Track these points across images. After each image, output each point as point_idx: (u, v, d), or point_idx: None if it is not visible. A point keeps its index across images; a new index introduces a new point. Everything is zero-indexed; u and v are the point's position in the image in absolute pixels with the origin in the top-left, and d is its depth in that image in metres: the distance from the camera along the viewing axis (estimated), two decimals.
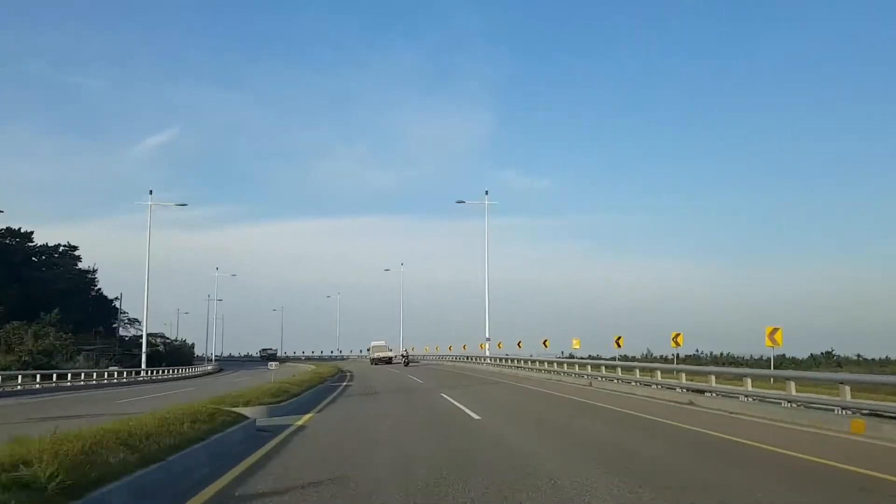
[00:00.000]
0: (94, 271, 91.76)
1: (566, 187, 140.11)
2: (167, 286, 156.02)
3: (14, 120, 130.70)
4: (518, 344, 51.75)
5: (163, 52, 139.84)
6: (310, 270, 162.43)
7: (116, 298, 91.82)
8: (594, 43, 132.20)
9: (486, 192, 58.01)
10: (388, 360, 71.44)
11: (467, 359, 60.29)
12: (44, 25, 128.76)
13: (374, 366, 68.41)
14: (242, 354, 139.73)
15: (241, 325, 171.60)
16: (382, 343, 77.30)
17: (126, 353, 67.01)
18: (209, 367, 78.23)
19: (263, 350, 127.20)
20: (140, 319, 68.62)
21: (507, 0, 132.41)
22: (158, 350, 77.62)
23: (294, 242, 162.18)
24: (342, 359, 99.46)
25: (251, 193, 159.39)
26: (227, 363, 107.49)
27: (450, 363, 64.08)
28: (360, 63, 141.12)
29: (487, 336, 56.08)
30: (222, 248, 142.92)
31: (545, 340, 44.62)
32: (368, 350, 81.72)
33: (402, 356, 65.29)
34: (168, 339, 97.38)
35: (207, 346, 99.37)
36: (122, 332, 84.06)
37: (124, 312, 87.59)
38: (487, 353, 53.46)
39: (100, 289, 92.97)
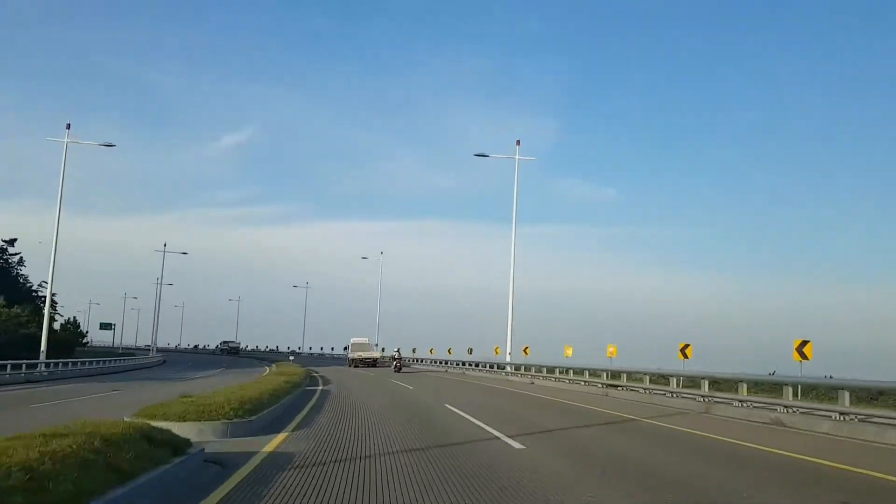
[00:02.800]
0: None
1: (632, 197, 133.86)
2: (224, 279, 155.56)
3: (95, 114, 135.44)
4: (525, 350, 43.35)
5: (237, 51, 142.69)
6: (354, 271, 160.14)
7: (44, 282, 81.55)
8: (661, 51, 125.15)
9: (518, 143, 46.56)
10: (373, 363, 59.12)
11: (476, 366, 48.82)
12: (123, 22, 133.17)
13: (352, 368, 56.37)
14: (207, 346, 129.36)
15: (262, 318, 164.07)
16: (365, 340, 63.07)
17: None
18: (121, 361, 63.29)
19: (224, 343, 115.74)
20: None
21: (572, 6, 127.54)
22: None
23: (353, 243, 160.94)
24: (333, 357, 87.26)
25: (313, 193, 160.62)
26: (176, 355, 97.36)
27: (457, 370, 52.61)
28: (424, 67, 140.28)
29: (509, 348, 45.18)
30: (284, 245, 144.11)
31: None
32: (346, 349, 67.73)
33: (393, 359, 51.45)
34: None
35: (153, 335, 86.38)
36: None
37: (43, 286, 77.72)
38: (509, 360, 42.10)
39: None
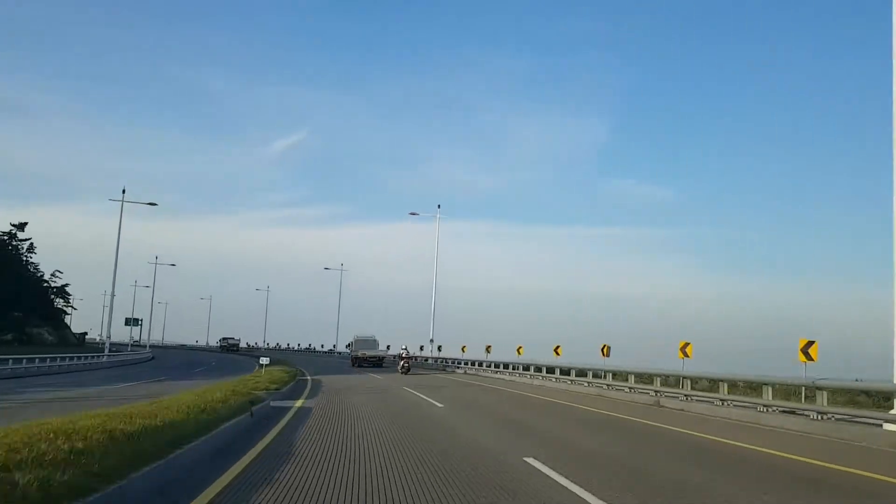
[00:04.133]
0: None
1: (690, 197, 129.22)
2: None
3: (153, 119, 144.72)
4: (519, 350, 38.31)
5: (288, 56, 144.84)
6: (402, 273, 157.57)
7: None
8: (716, 47, 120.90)
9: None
10: (378, 362, 52.98)
11: (478, 365, 43.41)
12: (180, 28, 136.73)
13: (355, 368, 50.49)
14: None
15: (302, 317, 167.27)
16: (370, 337, 55.96)
17: None
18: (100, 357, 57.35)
19: (224, 339, 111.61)
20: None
21: (625, 4, 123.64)
22: None
23: (400, 244, 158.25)
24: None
25: (361, 194, 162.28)
26: (180, 353, 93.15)
27: (471, 371, 47.84)
28: (474, 67, 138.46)
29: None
30: (332, 247, 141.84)
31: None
32: (349, 346, 60.87)
33: (400, 358, 44.12)
34: None
35: (144, 332, 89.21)
36: None
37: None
38: (524, 360, 36.74)
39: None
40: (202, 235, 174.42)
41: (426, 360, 55.18)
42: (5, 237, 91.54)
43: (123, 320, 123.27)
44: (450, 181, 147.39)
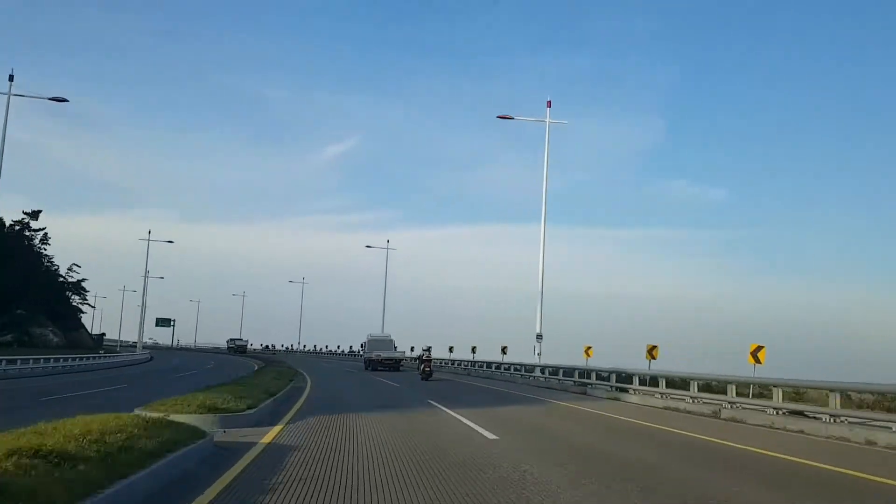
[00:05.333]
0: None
1: (741, 198, 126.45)
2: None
3: (209, 129, 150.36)
4: (588, 351, 31.70)
5: (341, 63, 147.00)
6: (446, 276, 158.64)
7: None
8: (773, 45, 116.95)
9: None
10: (395, 365, 47.30)
11: (504, 368, 37.19)
12: (235, 38, 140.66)
13: (368, 371, 45.37)
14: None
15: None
16: (386, 337, 50.37)
17: None
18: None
19: (231, 340, 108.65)
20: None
21: (679, 3, 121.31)
22: None
23: (450, 248, 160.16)
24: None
25: (413, 199, 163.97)
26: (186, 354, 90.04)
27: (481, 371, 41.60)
28: (525, 69, 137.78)
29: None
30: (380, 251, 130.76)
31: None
32: (362, 346, 54.59)
33: (420, 360, 38.01)
34: None
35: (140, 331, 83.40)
36: None
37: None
38: (597, 366, 30.16)
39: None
40: (249, 240, 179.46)
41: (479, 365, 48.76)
42: (16, 226, 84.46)
43: (155, 321, 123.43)
44: (500, 185, 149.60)
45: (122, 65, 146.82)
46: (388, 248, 72.05)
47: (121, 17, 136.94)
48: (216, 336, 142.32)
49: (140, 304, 76.59)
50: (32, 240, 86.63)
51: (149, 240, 71.45)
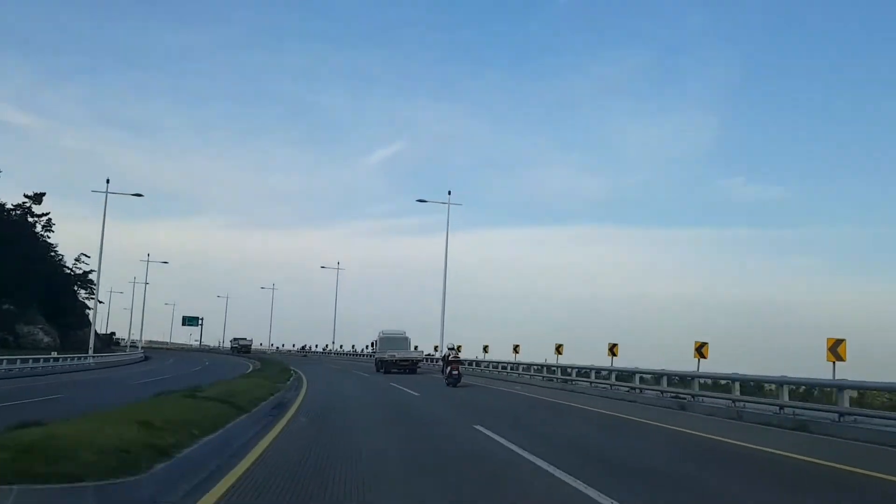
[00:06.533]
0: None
1: (801, 196, 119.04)
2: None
3: (262, 134, 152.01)
4: (702, 352, 23.80)
5: (390, 67, 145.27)
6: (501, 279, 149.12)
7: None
8: (835, 38, 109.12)
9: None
10: (411, 366, 40.95)
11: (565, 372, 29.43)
12: (288, 45, 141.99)
13: (380, 373, 39.46)
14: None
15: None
16: (400, 334, 43.49)
17: None
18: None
19: (235, 340, 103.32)
20: None
21: None
22: None
23: (504, 251, 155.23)
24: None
25: (463, 202, 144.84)
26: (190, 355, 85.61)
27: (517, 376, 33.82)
28: (578, 69, 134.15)
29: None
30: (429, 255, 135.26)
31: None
32: (373, 345, 48.14)
33: (446, 361, 29.86)
34: None
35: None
36: None
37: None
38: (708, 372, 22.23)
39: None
40: (299, 245, 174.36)
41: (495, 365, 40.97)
42: (17, 211, 76.35)
43: (181, 319, 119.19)
44: (552, 186, 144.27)
45: (182, 75, 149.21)
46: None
47: (181, 31, 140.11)
48: (251, 335, 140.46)
49: (168, 302, 73.19)
50: (34, 227, 78.41)
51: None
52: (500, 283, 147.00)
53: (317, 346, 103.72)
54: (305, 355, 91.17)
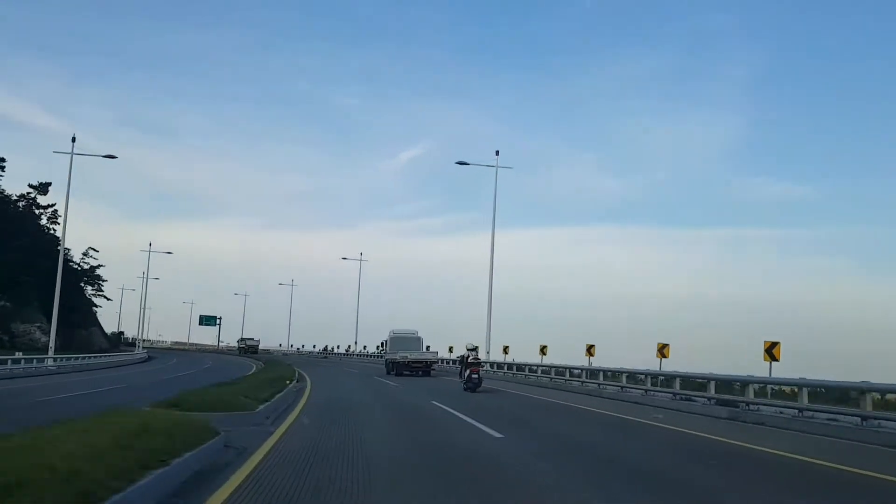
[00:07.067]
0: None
1: (829, 195, 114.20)
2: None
3: (285, 136, 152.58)
4: (777, 354, 20.32)
5: (411, 68, 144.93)
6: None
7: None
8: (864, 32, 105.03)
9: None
10: (424, 369, 38.42)
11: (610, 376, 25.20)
12: (307, 47, 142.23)
13: (391, 376, 36.35)
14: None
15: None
16: (412, 333, 40.50)
17: None
18: None
19: (242, 340, 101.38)
20: None
21: None
22: None
23: (519, 251, 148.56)
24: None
25: (482, 203, 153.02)
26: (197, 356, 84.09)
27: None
28: (596, 68, 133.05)
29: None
30: (455, 256, 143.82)
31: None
32: (383, 345, 45.78)
33: (464, 363, 26.43)
34: None
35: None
36: None
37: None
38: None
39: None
40: (321, 245, 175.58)
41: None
42: (20, 200, 72.20)
43: (198, 318, 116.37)
44: (574, 186, 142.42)
45: (203, 77, 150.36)
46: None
47: (202, 33, 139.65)
48: (270, 336, 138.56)
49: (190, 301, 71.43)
50: (39, 219, 74.48)
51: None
52: (524, 283, 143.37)
53: (338, 347, 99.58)
54: (326, 357, 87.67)
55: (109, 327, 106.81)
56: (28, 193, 73.24)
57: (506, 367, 37.63)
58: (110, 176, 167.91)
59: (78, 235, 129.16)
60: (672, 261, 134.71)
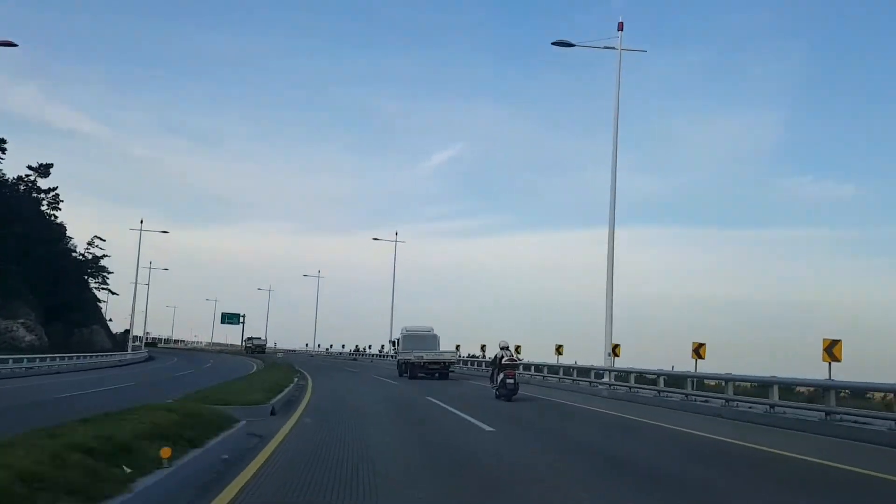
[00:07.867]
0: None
1: (872, 194, 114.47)
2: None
3: (322, 139, 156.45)
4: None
5: (447, 70, 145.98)
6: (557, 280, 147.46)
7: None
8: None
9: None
10: (442, 370, 35.17)
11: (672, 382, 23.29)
12: (346, 52, 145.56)
13: (403, 378, 34.41)
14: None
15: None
16: (427, 330, 38.12)
17: None
18: None
19: (249, 339, 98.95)
20: None
21: None
22: None
23: (557, 252, 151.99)
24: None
25: (520, 203, 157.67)
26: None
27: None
28: (635, 68, 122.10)
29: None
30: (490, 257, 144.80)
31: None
32: (395, 343, 44.03)
33: (500, 365, 21.68)
34: None
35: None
36: None
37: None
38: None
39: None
40: (357, 249, 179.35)
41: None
42: (19, 183, 67.29)
43: (220, 317, 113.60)
44: (606, 186, 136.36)
45: (239, 81, 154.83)
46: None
47: (239, 36, 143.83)
48: (293, 337, 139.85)
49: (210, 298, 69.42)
50: (40, 204, 69.68)
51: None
52: (558, 284, 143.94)
53: (369, 347, 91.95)
54: (355, 359, 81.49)
55: (121, 326, 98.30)
56: (27, 175, 68.50)
57: (534, 369, 34.43)
58: (155, 181, 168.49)
59: (110, 240, 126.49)
60: (712, 261, 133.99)
